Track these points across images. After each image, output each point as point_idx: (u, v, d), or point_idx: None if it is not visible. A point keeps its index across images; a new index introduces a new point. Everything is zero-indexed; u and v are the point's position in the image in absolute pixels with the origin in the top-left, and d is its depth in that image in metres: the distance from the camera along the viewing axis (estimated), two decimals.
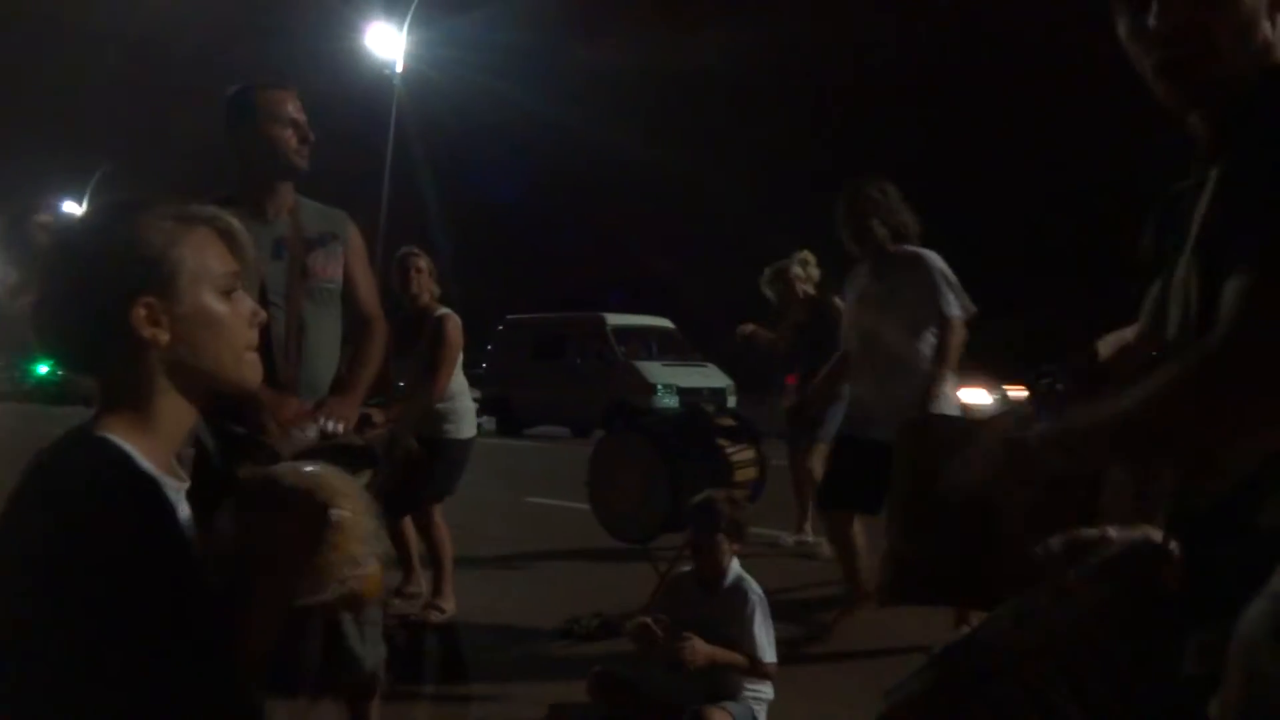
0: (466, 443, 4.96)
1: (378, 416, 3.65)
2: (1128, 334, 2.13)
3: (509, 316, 19.20)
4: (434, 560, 4.77)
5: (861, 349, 4.27)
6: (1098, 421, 1.20)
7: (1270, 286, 1.05)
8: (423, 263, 4.80)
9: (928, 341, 4.11)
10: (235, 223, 1.35)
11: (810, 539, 6.26)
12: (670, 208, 38.31)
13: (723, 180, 36.75)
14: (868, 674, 3.83)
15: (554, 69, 38.67)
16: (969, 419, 4.06)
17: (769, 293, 6.43)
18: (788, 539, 6.37)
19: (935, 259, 4.16)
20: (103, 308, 1.23)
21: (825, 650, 4.25)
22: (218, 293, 1.30)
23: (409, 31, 23.54)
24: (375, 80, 23.90)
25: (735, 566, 3.23)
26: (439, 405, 4.75)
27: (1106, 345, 3.15)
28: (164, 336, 1.25)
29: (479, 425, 5.41)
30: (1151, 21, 1.20)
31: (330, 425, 2.57)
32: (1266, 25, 1.20)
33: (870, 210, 4.18)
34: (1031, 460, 1.25)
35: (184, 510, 1.26)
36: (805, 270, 6.28)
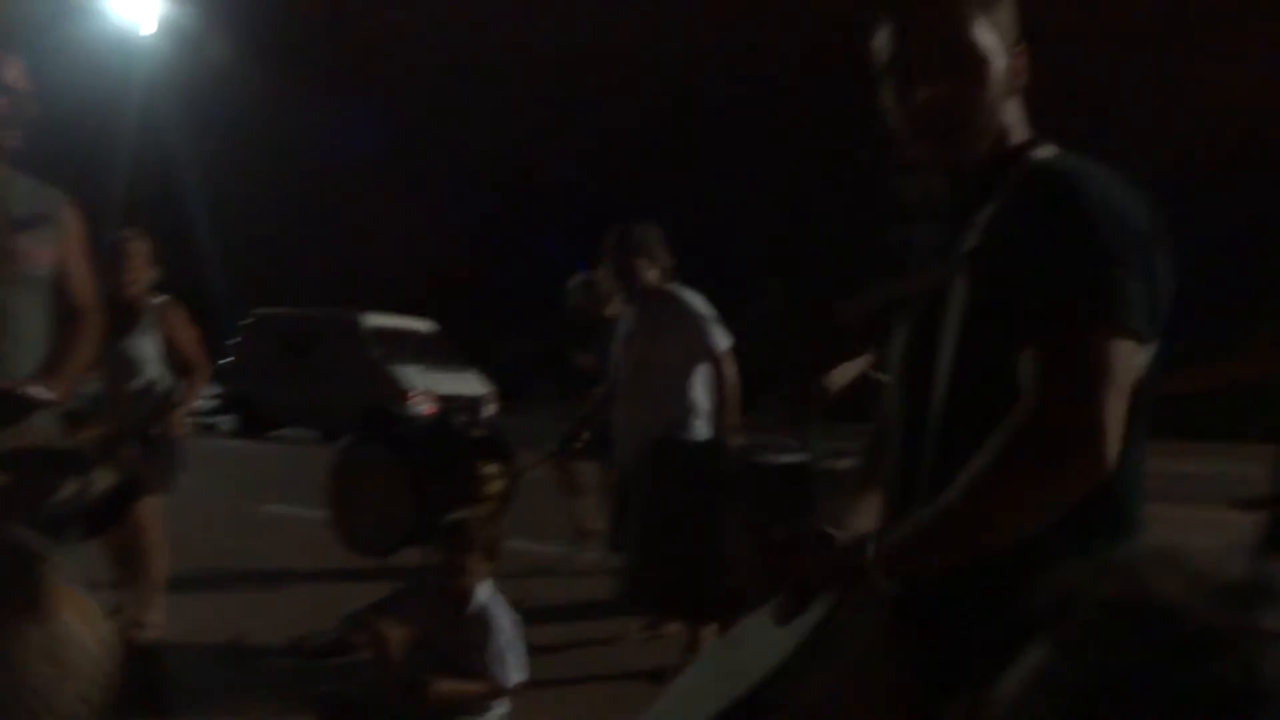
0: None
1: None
2: (857, 366, 2.29)
3: (257, 310, 18.15)
4: (140, 568, 4.35)
5: (628, 387, 4.32)
6: (926, 529, 1.22)
7: (1063, 365, 1.18)
8: (136, 248, 4.42)
9: (694, 378, 4.20)
10: None
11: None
12: (441, 201, 37.13)
13: (499, 176, 35.92)
14: (601, 689, 3.95)
15: (327, 40, 36.50)
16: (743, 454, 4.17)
17: (574, 304, 6.25)
18: (567, 550, 6.32)
19: (695, 297, 4.27)
20: None
21: (563, 666, 4.29)
22: None
23: None
24: (120, 45, 21.98)
25: (484, 591, 3.16)
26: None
27: (838, 376, 3.34)
28: None
29: (216, 425, 5.07)
30: (917, 94, 1.35)
31: (36, 391, 2.34)
32: (1004, 109, 1.38)
33: (635, 250, 4.26)
34: (877, 585, 1.23)
35: None
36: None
